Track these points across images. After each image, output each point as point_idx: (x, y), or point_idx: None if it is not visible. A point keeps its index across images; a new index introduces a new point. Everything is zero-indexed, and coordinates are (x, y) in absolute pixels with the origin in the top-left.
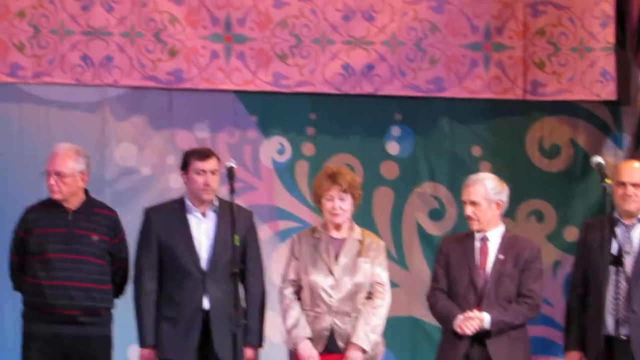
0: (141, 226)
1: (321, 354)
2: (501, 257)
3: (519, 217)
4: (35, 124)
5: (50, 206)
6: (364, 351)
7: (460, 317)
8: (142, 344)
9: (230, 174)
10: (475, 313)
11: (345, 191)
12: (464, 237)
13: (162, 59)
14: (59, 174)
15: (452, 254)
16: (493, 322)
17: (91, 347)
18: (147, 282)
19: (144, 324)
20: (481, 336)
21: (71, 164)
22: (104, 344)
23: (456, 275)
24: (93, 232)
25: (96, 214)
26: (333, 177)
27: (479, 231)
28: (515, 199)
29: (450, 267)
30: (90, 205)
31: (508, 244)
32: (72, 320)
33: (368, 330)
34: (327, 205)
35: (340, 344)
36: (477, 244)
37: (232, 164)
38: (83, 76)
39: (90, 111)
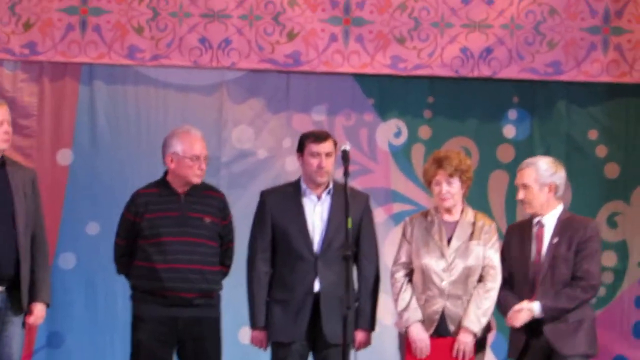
0: (257, 208)
1: (432, 336)
2: (555, 240)
3: (634, 200)
4: (152, 106)
5: (161, 189)
6: (475, 335)
7: (512, 309)
8: (254, 325)
9: (345, 156)
10: (523, 304)
11: (451, 175)
12: (525, 223)
13: (281, 41)
14: (205, 158)
15: (512, 242)
16: (544, 310)
17: (203, 328)
18: (260, 265)
19: (255, 305)
20: (538, 324)
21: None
22: (215, 326)
23: (514, 263)
24: (205, 215)
25: (206, 196)
26: (439, 162)
27: (534, 215)
28: (630, 183)
29: (510, 255)
30: (199, 187)
31: (563, 226)
32: (187, 303)
33: (480, 314)
34: (435, 189)
35: (451, 327)
36: (534, 230)
37: (347, 146)
38: (201, 59)
39: (208, 94)
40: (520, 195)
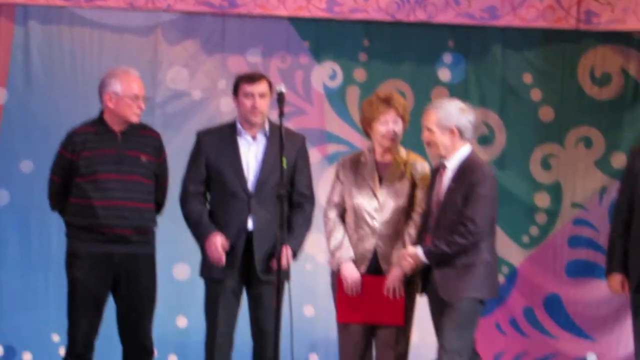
0: (192, 148)
1: (364, 275)
2: (452, 185)
3: (568, 143)
4: (87, 47)
5: (98, 128)
6: (405, 273)
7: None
8: (206, 235)
9: (280, 98)
10: (407, 250)
11: (397, 114)
12: (439, 165)
13: None
14: (143, 98)
15: (430, 184)
16: (426, 255)
17: (139, 265)
18: (194, 201)
19: (201, 224)
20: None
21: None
22: (150, 262)
23: (425, 207)
24: (141, 153)
25: (142, 135)
26: (388, 101)
27: (441, 157)
28: (564, 126)
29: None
30: (135, 127)
31: (461, 171)
32: (123, 239)
33: (411, 253)
34: (381, 128)
35: (384, 265)
36: (440, 173)
37: (282, 88)
38: (137, 0)
39: (143, 35)
40: (424, 136)
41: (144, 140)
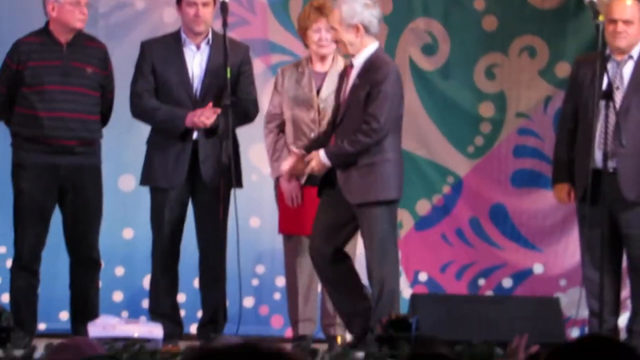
0: (137, 58)
1: (304, 186)
2: (357, 82)
3: (512, 52)
4: None
5: (44, 39)
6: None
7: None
8: (183, 123)
9: (224, 7)
10: (310, 155)
11: (331, 22)
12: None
13: None
14: (85, 4)
15: (339, 82)
16: (328, 157)
17: (84, 176)
18: (150, 98)
19: (169, 111)
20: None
21: None
22: (96, 174)
23: (334, 106)
24: (87, 65)
25: (87, 47)
26: (320, 9)
27: (350, 56)
28: (508, 35)
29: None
30: (81, 38)
31: (365, 69)
32: (69, 151)
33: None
34: (314, 36)
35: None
36: (348, 72)
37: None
38: None
39: None
40: (330, 36)
41: (89, 51)
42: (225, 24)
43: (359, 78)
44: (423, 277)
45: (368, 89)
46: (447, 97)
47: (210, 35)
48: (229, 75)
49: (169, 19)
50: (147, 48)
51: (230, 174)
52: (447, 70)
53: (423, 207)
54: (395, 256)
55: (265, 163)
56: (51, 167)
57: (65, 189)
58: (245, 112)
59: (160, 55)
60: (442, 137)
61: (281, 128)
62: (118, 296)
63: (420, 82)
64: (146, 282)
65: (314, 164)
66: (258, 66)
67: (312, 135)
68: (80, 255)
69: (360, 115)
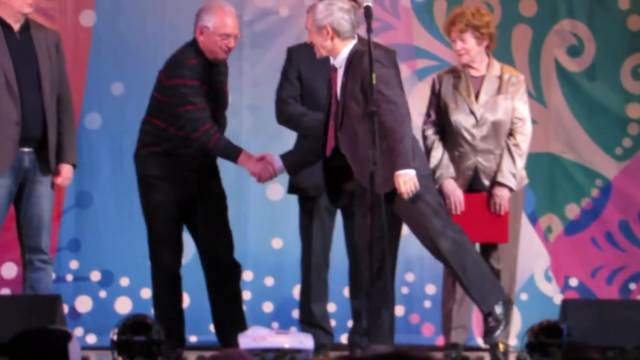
0: (284, 64)
1: (465, 192)
2: (344, 79)
3: None
4: None
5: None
6: (510, 189)
7: None
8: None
9: (368, 13)
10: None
11: (462, 31)
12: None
13: None
14: (235, 37)
15: (328, 89)
16: (405, 164)
17: (211, 183)
18: (295, 106)
19: (314, 121)
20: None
21: None
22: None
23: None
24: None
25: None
26: (452, 19)
27: (333, 60)
28: None
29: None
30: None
31: (349, 64)
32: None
33: (512, 168)
34: (453, 46)
35: (486, 181)
36: (333, 76)
37: (369, 2)
38: None
39: None
40: (308, 39)
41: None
42: (369, 29)
43: (346, 76)
44: (573, 282)
45: (360, 80)
46: (593, 98)
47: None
48: (374, 80)
49: None
50: (294, 54)
51: (377, 180)
52: (593, 72)
53: (572, 211)
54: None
55: None
56: (182, 178)
57: (194, 199)
58: None
59: (307, 61)
60: (590, 139)
61: (440, 134)
62: (268, 307)
63: (567, 84)
64: (296, 292)
65: (408, 186)
66: (404, 71)
67: (473, 140)
68: (220, 260)
69: (360, 110)
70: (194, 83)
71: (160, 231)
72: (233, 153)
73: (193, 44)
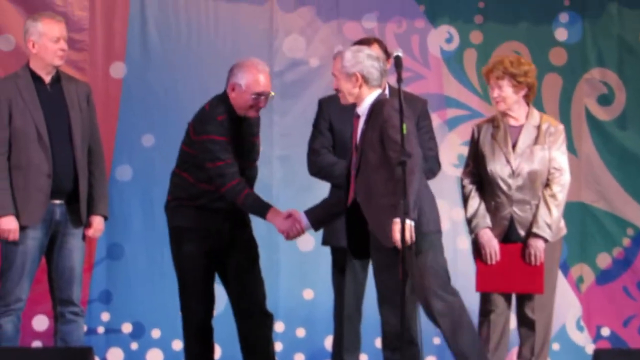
0: (315, 115)
1: (501, 242)
2: (364, 127)
3: None
4: (203, 17)
5: (229, 114)
6: (545, 240)
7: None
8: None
9: (398, 62)
10: (394, 223)
11: (500, 78)
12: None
13: None
14: (267, 96)
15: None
16: (410, 214)
17: (244, 233)
18: (326, 156)
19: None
20: None
21: None
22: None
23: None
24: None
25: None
26: (491, 66)
27: (356, 106)
28: None
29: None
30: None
31: (371, 113)
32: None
33: (548, 219)
34: (490, 93)
35: (521, 232)
36: (355, 123)
37: (399, 52)
38: None
39: (258, 3)
40: (333, 84)
41: (253, 121)
42: (400, 79)
43: (367, 124)
44: (605, 331)
45: (379, 130)
46: (624, 147)
47: (386, 90)
48: (404, 131)
49: None
50: (324, 105)
51: (405, 233)
52: (624, 120)
53: (604, 260)
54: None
55: (443, 219)
56: (213, 229)
57: (225, 249)
58: (431, 168)
59: (337, 111)
60: (621, 188)
61: (478, 184)
62: (299, 358)
63: (597, 132)
64: (327, 343)
65: (400, 235)
66: (434, 120)
67: (509, 190)
68: (252, 311)
69: (376, 159)
70: (222, 139)
71: (191, 282)
72: (261, 209)
73: (223, 99)
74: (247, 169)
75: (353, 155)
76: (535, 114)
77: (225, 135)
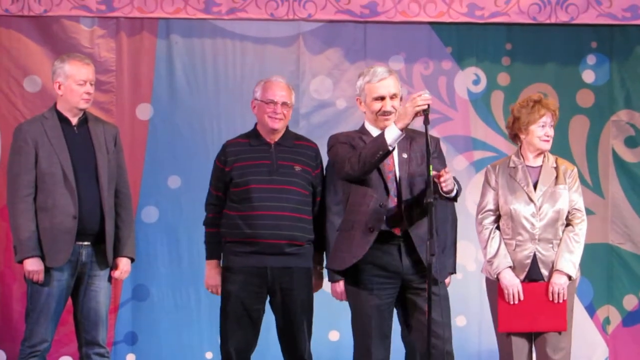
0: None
1: (523, 281)
2: (404, 156)
3: None
4: (230, 59)
5: (252, 140)
6: (569, 277)
7: None
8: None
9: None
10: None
11: (553, 117)
12: None
13: None
14: (285, 105)
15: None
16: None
17: (294, 278)
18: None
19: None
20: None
21: (292, 97)
22: (306, 275)
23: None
24: (296, 163)
25: (297, 145)
26: (546, 105)
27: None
28: None
29: None
30: (290, 137)
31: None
32: (277, 251)
33: (571, 257)
34: (539, 132)
35: (544, 271)
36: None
37: (427, 94)
38: (277, 11)
39: (285, 45)
40: (388, 106)
41: (298, 150)
42: (427, 122)
43: (405, 151)
44: None
45: (423, 149)
46: None
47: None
48: (430, 172)
49: None
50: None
51: (435, 272)
52: None
53: (630, 302)
54: None
55: (469, 260)
56: (258, 269)
57: (273, 291)
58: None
59: None
60: None
61: (496, 224)
62: None
63: (624, 174)
64: None
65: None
66: (461, 163)
67: (533, 229)
68: (293, 358)
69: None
70: (215, 163)
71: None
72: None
73: (253, 129)
74: (275, 191)
75: (387, 178)
76: (550, 155)
77: (221, 162)
